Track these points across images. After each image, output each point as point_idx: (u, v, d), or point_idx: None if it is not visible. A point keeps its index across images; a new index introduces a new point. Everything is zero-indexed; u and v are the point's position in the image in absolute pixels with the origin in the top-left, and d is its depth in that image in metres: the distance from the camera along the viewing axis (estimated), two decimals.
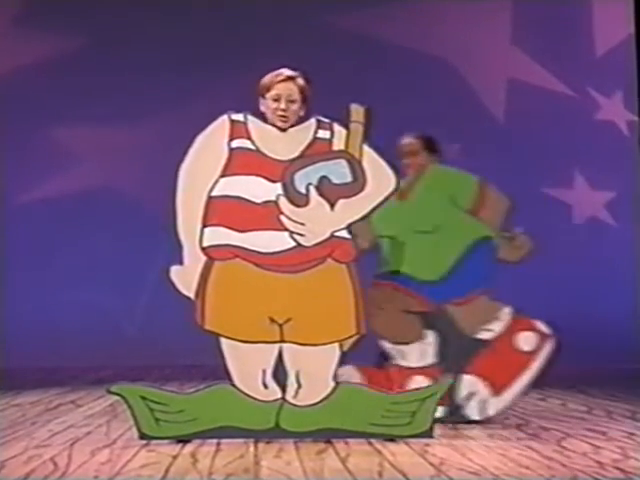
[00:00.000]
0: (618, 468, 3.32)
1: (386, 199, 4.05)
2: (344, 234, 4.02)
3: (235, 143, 4.06)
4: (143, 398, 4.05)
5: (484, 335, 4.72)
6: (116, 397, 4.19)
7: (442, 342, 4.72)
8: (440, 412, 4.27)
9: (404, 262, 4.66)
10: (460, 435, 4.25)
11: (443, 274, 4.69)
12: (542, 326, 4.75)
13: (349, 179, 3.99)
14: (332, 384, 4.04)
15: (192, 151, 4.07)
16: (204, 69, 9.17)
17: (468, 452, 3.74)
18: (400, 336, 4.66)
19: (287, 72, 4.11)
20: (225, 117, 4.09)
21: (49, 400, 5.95)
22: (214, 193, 4.02)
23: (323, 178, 3.98)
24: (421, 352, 4.70)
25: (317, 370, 4.03)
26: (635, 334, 8.69)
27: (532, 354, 4.71)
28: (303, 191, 3.97)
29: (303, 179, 3.98)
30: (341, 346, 4.06)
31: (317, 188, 3.97)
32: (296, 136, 4.07)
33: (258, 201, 3.99)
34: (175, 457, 3.72)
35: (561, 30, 9.52)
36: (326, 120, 4.09)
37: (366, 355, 4.56)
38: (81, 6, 9.38)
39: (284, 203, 3.97)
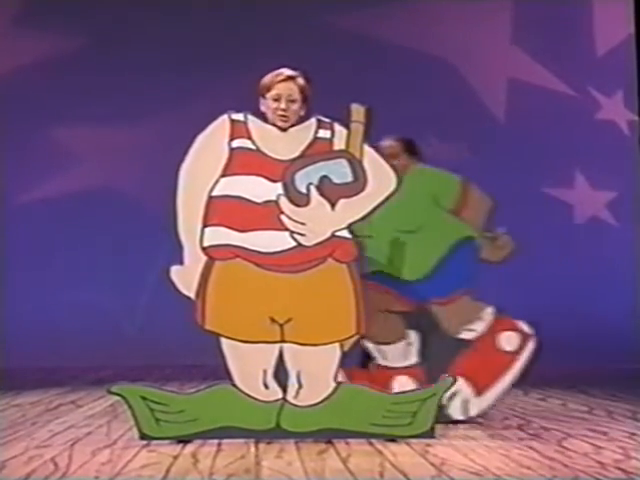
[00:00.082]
0: (619, 468, 3.32)
1: (387, 199, 4.05)
2: (345, 234, 4.01)
3: (235, 143, 4.05)
4: (143, 398, 4.04)
5: (466, 335, 4.72)
6: (116, 397, 4.18)
7: (424, 342, 4.72)
8: None
9: (387, 262, 4.65)
10: (461, 435, 4.24)
11: (426, 274, 4.68)
12: (524, 326, 4.75)
13: (350, 179, 3.99)
14: (333, 384, 4.03)
15: (192, 151, 4.06)
16: (204, 69, 9.17)
17: (469, 452, 3.74)
18: (382, 336, 4.64)
19: (287, 72, 4.11)
20: (225, 117, 4.09)
21: (49, 400, 5.94)
22: (214, 193, 4.01)
23: (324, 178, 3.97)
24: (403, 352, 4.70)
25: (318, 370, 4.02)
26: (635, 334, 8.69)
27: (514, 354, 4.71)
28: (304, 191, 3.96)
29: (304, 179, 3.98)
30: (342, 346, 4.05)
31: (318, 188, 3.97)
32: (297, 136, 4.07)
33: (259, 201, 3.98)
34: (176, 457, 3.71)
35: (561, 30, 9.53)
36: (327, 120, 4.09)
37: (349, 355, 4.53)
38: (81, 6, 9.39)
39: (285, 203, 3.96)
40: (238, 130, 4.07)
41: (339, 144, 4.03)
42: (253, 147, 4.05)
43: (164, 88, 9.19)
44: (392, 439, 4.01)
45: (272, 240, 3.98)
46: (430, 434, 4.02)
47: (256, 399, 4.02)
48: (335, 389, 4.03)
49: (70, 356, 8.70)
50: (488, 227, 4.81)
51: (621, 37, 9.58)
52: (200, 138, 4.07)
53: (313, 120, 4.09)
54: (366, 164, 4.00)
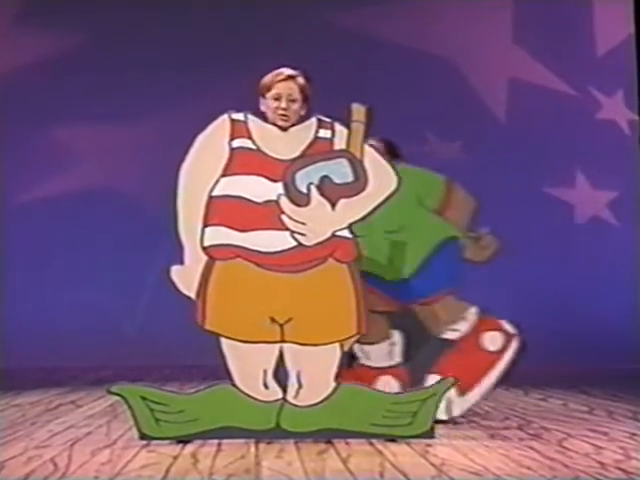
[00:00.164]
0: (620, 469, 3.31)
1: (387, 198, 4.04)
2: (345, 234, 4.01)
3: (236, 143, 4.05)
4: (143, 398, 4.03)
5: (450, 335, 4.72)
6: (116, 397, 4.18)
7: (408, 342, 4.71)
8: None
9: (370, 262, 4.63)
10: (461, 435, 4.23)
11: (409, 274, 4.67)
12: (508, 326, 4.74)
13: (350, 178, 3.98)
14: (333, 384, 4.03)
15: (193, 151, 4.05)
16: (204, 68, 9.17)
17: (469, 452, 3.73)
18: (365, 336, 4.63)
19: (287, 71, 4.10)
20: (226, 116, 4.08)
21: (49, 400, 5.94)
22: (215, 193, 4.01)
23: (324, 177, 3.97)
24: (387, 352, 4.69)
25: (318, 370, 4.02)
26: (636, 334, 8.69)
27: (498, 354, 4.70)
28: (304, 190, 3.96)
29: (304, 178, 3.97)
30: (342, 346, 4.05)
31: (318, 187, 3.96)
32: (297, 135, 4.06)
33: (259, 201, 3.98)
34: (176, 458, 3.71)
35: (562, 29, 9.53)
36: (327, 119, 4.08)
37: None
38: (81, 5, 9.39)
39: (285, 203, 3.96)
40: (238, 130, 4.06)
41: (340, 144, 4.03)
42: (253, 147, 4.05)
43: (164, 88, 9.19)
44: (392, 439, 4.01)
45: (272, 240, 3.97)
46: (430, 434, 4.02)
47: (256, 399, 4.01)
48: (335, 389, 4.02)
49: (70, 356, 8.70)
50: (472, 227, 4.80)
51: (621, 37, 9.58)
52: (200, 138, 4.07)
53: (313, 120, 4.09)
54: (367, 164, 4.00)
